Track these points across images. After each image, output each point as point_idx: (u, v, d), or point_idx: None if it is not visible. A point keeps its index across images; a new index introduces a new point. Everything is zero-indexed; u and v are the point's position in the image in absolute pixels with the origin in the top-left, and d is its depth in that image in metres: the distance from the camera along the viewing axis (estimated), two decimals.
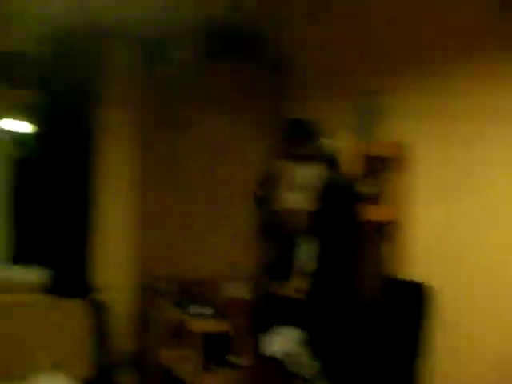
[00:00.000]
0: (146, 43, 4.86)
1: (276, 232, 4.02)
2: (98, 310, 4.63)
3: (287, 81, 4.55)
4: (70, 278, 4.74)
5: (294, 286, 3.72)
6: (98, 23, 4.54)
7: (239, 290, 4.15)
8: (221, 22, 4.60)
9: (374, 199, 3.55)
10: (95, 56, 4.79)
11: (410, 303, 3.43)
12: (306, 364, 3.51)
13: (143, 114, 4.85)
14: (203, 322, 4.14)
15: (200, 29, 4.70)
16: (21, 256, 5.12)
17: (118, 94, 4.89)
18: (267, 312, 3.97)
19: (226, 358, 4.23)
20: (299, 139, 3.73)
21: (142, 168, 4.85)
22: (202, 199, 4.75)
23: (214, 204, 4.74)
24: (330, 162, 3.48)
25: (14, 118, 5.09)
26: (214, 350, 4.21)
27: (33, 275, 4.81)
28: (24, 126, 5.25)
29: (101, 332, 4.59)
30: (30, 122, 5.21)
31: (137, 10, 4.30)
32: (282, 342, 3.73)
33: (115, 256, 4.86)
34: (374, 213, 3.47)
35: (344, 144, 3.52)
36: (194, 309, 4.23)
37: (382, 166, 3.62)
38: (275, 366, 3.74)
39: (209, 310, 4.24)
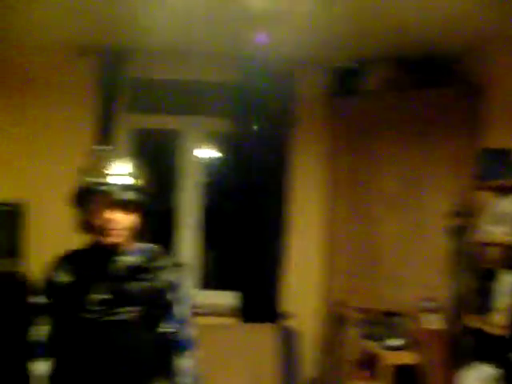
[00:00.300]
0: (338, 71, 4.93)
1: (473, 264, 3.91)
2: (287, 336, 4.71)
3: (481, 109, 4.40)
4: (260, 303, 4.87)
5: (493, 321, 3.59)
6: (289, 51, 4.66)
7: (434, 322, 4.04)
8: (411, 49, 4.56)
9: None
10: (287, 84, 4.92)
11: None
12: None
13: (334, 143, 4.91)
14: (395, 354, 4.07)
15: (391, 57, 4.70)
16: (214, 281, 5.35)
17: (309, 122, 5.00)
18: (464, 346, 3.84)
19: None
20: (500, 170, 3.61)
21: (332, 197, 4.91)
22: (394, 229, 4.61)
23: (406, 234, 4.56)
24: None
25: (208, 146, 5.37)
26: (405, 383, 4.13)
27: (225, 300, 5.02)
28: (217, 154, 5.51)
29: (288, 358, 4.66)
30: (223, 150, 5.47)
31: (329, 37, 4.35)
32: (478, 378, 3.60)
33: (304, 284, 4.93)
34: None
35: None
36: (386, 340, 4.17)
37: None
38: None
39: (401, 342, 4.15)
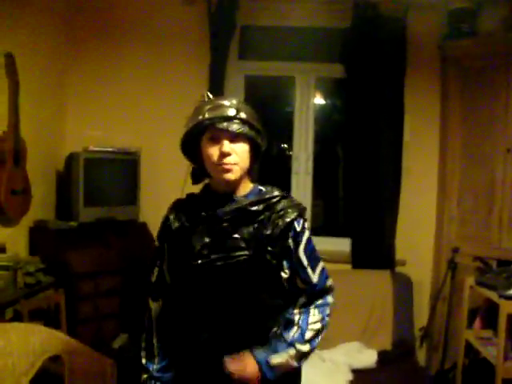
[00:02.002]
0: (453, 13, 4.70)
1: None
2: (401, 284, 4.68)
3: None
4: (373, 249, 4.86)
5: None
6: None
7: None
8: None
9: None
10: (399, 28, 4.77)
11: None
12: None
13: (446, 87, 4.77)
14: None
15: None
16: (327, 227, 5.37)
17: (422, 67, 4.88)
18: None
19: None
20: None
21: (445, 142, 4.79)
22: (511, 174, 4.35)
23: None
24: None
25: (320, 92, 5.33)
26: None
27: (336, 246, 5.05)
28: (329, 100, 5.47)
29: (402, 305, 4.64)
30: (335, 95, 5.41)
31: None
32: None
33: (418, 231, 4.90)
34: None
35: None
36: (504, 289, 4.06)
37: None
38: None
39: None
